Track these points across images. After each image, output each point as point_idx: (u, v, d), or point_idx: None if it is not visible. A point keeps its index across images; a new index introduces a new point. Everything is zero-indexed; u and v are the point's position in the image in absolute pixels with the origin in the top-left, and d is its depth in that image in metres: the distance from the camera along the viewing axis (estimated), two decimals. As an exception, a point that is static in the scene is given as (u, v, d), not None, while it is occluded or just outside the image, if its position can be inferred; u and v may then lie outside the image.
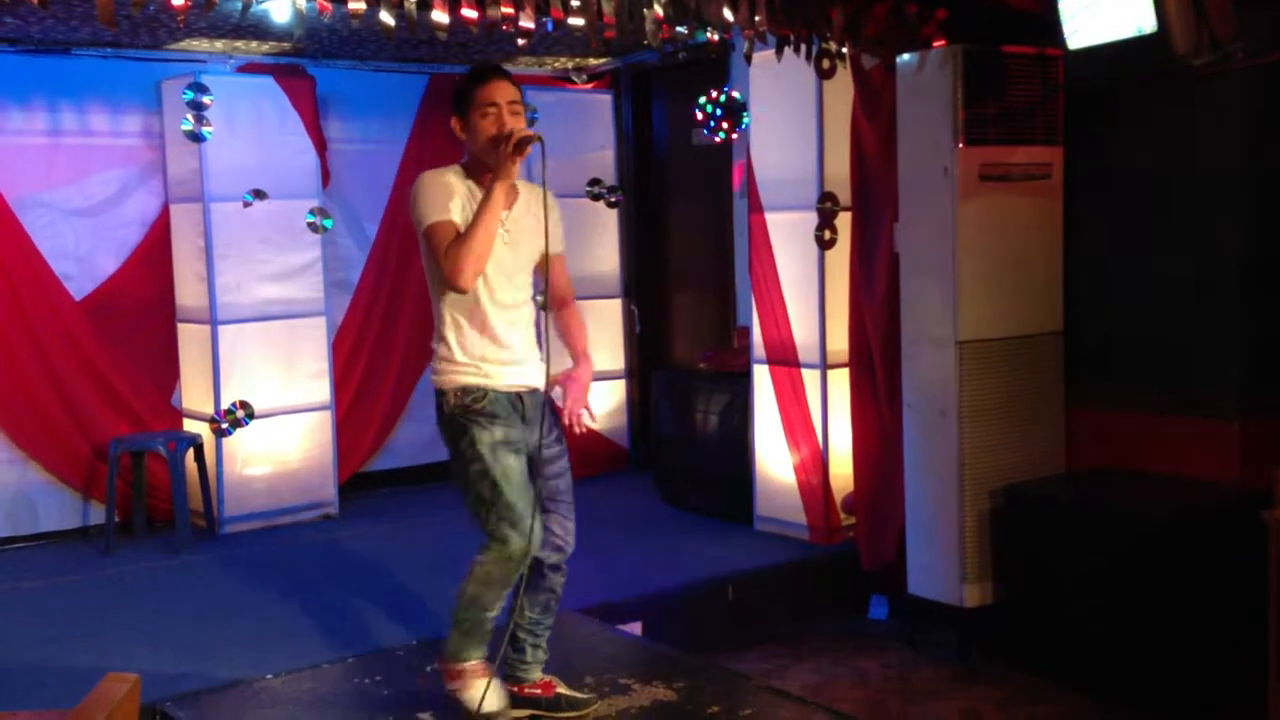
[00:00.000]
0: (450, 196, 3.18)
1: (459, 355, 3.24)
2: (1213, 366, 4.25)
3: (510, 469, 3.20)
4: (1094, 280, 4.62)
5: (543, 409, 3.34)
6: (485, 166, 3.21)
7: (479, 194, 3.20)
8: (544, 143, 3.19)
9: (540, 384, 3.34)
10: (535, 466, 3.32)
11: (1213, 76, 3.85)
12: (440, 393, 3.28)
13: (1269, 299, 4.15)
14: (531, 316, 3.37)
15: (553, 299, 3.42)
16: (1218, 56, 3.53)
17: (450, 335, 3.26)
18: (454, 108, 3.28)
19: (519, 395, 3.27)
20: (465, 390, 3.22)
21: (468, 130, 3.24)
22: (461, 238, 3.12)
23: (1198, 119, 4.21)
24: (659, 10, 3.89)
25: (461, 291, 3.15)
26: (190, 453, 5.76)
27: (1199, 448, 4.27)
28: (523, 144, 3.13)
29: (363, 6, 3.51)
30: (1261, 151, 4.11)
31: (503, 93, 3.21)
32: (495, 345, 3.25)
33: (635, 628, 4.39)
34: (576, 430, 3.40)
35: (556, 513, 3.35)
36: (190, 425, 6.06)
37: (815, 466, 5.29)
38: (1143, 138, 4.41)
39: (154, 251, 6.07)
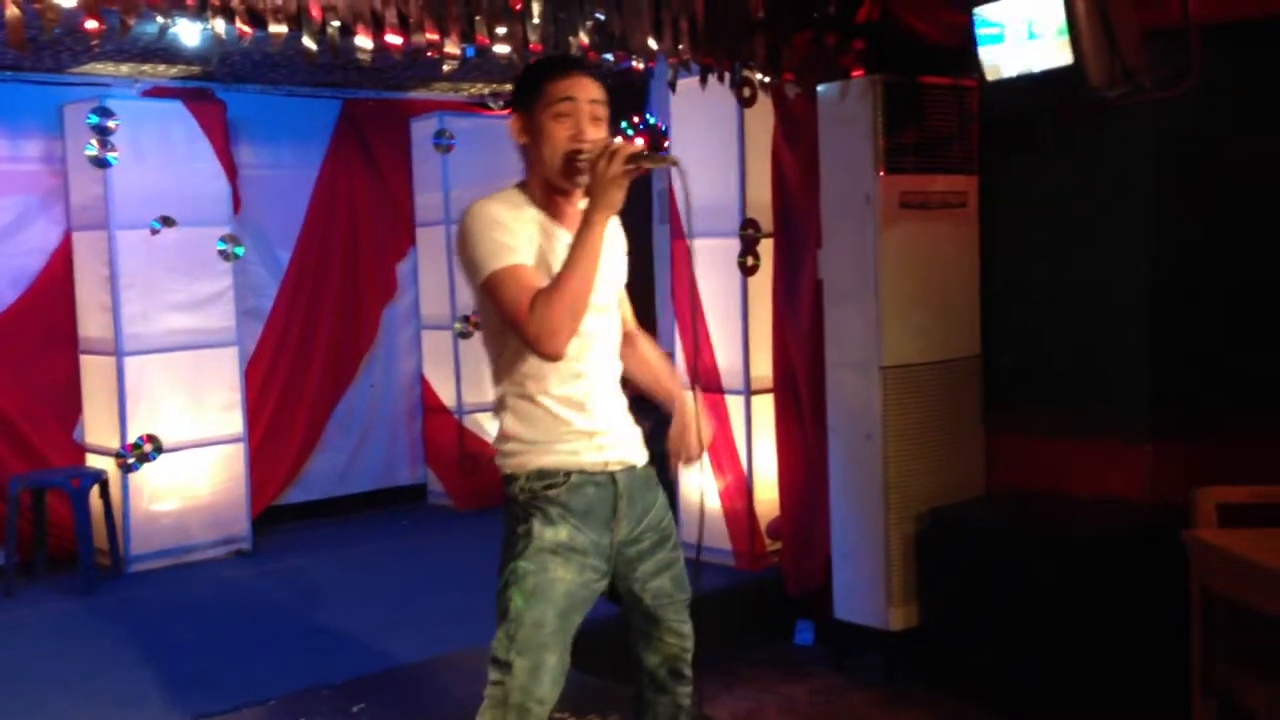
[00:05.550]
0: (513, 232, 2.41)
1: (532, 431, 2.49)
2: (1124, 389, 4.34)
3: (555, 582, 2.44)
4: (1010, 305, 4.71)
5: (643, 488, 2.63)
6: (554, 187, 2.48)
7: (551, 226, 2.47)
8: (680, 167, 2.46)
9: (641, 458, 2.64)
10: (622, 568, 2.59)
11: (1123, 106, 3.96)
12: (509, 479, 2.51)
13: (1177, 323, 4.27)
14: (619, 372, 2.66)
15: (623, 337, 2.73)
16: (1130, 88, 3.63)
17: (520, 405, 2.50)
18: (515, 102, 2.53)
19: (612, 476, 2.55)
20: (541, 474, 2.48)
21: (532, 134, 2.47)
22: (551, 290, 2.34)
23: (1108, 147, 4.32)
24: (584, 38, 3.88)
25: (553, 359, 2.39)
26: (95, 489, 5.55)
27: (1113, 469, 4.36)
28: (636, 160, 2.36)
29: (284, 30, 3.43)
30: (1169, 178, 4.23)
31: (584, 88, 2.45)
32: (582, 412, 2.51)
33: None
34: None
35: (666, 621, 2.64)
36: (94, 461, 5.84)
37: (740, 492, 5.29)
38: (1056, 165, 4.51)
39: (55, 281, 5.87)
